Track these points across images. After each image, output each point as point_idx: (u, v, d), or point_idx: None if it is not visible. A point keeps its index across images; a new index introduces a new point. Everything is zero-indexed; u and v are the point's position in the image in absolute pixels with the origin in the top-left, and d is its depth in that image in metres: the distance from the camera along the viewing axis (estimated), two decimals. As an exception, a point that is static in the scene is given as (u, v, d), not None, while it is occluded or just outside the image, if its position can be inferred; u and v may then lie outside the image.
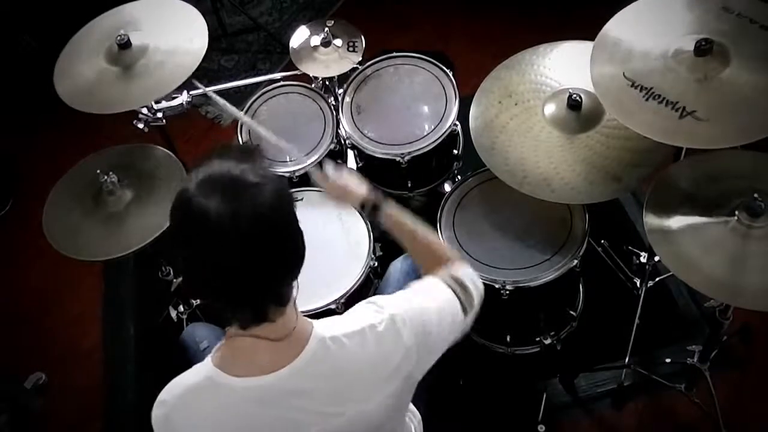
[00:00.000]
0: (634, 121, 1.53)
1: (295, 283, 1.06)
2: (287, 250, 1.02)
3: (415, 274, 1.75)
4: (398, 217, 1.36)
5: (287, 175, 2.12)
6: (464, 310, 1.22)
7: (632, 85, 1.55)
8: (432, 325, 1.15)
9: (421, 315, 1.15)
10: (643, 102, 1.53)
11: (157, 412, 1.10)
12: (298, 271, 1.04)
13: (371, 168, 2.26)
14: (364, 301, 1.19)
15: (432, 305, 1.18)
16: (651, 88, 1.54)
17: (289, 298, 1.06)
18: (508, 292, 1.81)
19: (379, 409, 1.13)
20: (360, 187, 1.43)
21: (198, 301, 2.26)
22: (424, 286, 1.23)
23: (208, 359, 1.10)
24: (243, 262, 0.97)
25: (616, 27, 1.66)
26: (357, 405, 1.10)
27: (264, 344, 1.05)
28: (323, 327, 1.10)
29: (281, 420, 1.07)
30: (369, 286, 1.91)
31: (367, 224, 1.93)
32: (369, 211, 1.39)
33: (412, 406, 1.44)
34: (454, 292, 1.22)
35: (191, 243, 0.98)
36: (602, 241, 2.22)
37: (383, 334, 1.10)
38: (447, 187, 2.30)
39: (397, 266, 1.78)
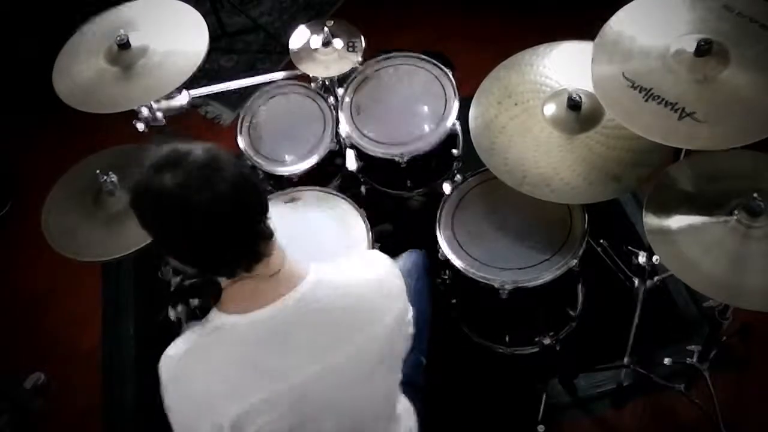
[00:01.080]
0: (634, 122, 1.52)
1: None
2: (256, 192, 1.11)
3: (416, 272, 1.76)
4: None
5: (286, 174, 2.13)
6: None
7: (632, 86, 1.55)
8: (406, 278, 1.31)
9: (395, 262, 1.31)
10: (642, 103, 1.53)
11: (164, 372, 1.14)
12: (267, 205, 1.13)
13: (371, 168, 2.26)
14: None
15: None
16: (650, 89, 1.53)
17: (271, 230, 1.13)
18: (507, 292, 1.81)
19: (375, 350, 1.18)
20: None
21: (197, 301, 2.25)
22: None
23: (212, 312, 1.15)
24: (224, 221, 1.05)
25: (616, 27, 1.66)
26: (361, 334, 1.16)
27: (263, 281, 1.11)
28: (316, 268, 1.18)
29: (292, 346, 1.12)
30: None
31: (366, 224, 1.93)
32: None
33: (406, 402, 1.44)
34: None
35: (160, 223, 1.08)
36: (602, 241, 2.22)
37: (372, 268, 1.23)
38: (446, 187, 2.29)
39: (399, 264, 1.78)
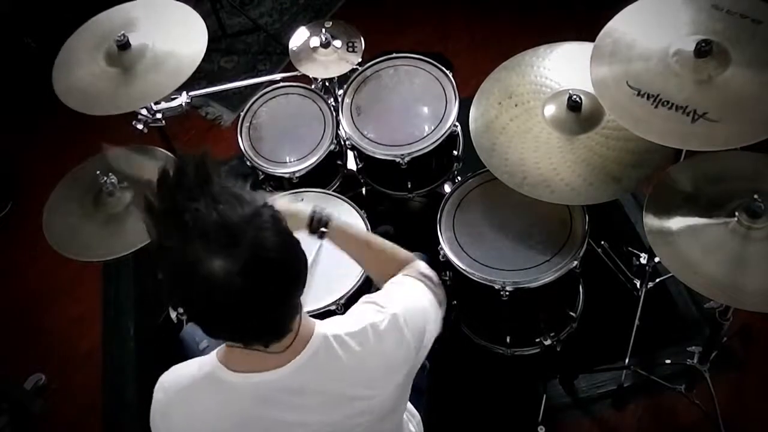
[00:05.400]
0: (648, 130, 1.50)
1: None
2: (300, 271, 1.02)
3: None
4: (348, 229, 1.36)
5: (286, 176, 2.13)
6: (439, 304, 1.26)
7: (638, 94, 1.54)
8: (427, 322, 1.19)
9: (417, 313, 1.18)
10: (652, 110, 1.51)
11: (158, 397, 1.10)
12: (306, 277, 1.04)
13: (371, 169, 2.26)
14: (363, 300, 1.20)
15: (422, 304, 1.21)
16: (658, 95, 1.52)
17: (301, 305, 1.06)
18: (508, 293, 1.81)
19: (382, 406, 1.14)
20: (304, 207, 1.34)
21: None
22: (408, 285, 1.24)
23: (213, 354, 1.10)
24: (264, 303, 0.96)
25: (614, 33, 1.66)
26: (360, 402, 1.11)
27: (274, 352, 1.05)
28: (326, 326, 1.11)
29: (282, 418, 1.07)
30: (369, 287, 1.91)
31: (366, 225, 1.93)
32: (316, 229, 1.31)
33: (411, 407, 1.44)
34: (429, 288, 1.25)
35: (205, 304, 0.96)
36: (602, 242, 2.22)
37: (386, 333, 1.12)
38: (447, 188, 2.29)
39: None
